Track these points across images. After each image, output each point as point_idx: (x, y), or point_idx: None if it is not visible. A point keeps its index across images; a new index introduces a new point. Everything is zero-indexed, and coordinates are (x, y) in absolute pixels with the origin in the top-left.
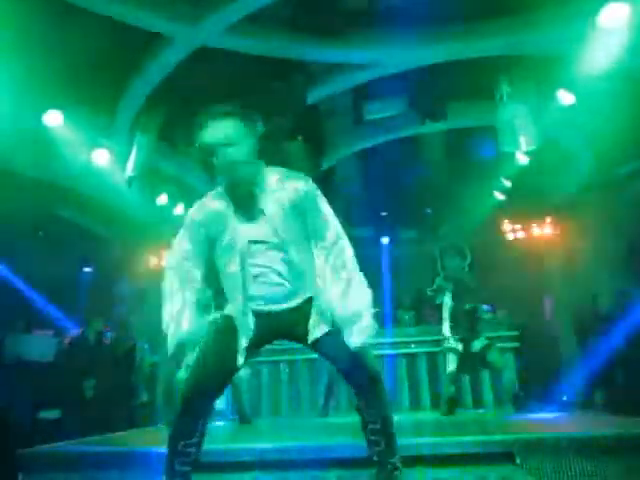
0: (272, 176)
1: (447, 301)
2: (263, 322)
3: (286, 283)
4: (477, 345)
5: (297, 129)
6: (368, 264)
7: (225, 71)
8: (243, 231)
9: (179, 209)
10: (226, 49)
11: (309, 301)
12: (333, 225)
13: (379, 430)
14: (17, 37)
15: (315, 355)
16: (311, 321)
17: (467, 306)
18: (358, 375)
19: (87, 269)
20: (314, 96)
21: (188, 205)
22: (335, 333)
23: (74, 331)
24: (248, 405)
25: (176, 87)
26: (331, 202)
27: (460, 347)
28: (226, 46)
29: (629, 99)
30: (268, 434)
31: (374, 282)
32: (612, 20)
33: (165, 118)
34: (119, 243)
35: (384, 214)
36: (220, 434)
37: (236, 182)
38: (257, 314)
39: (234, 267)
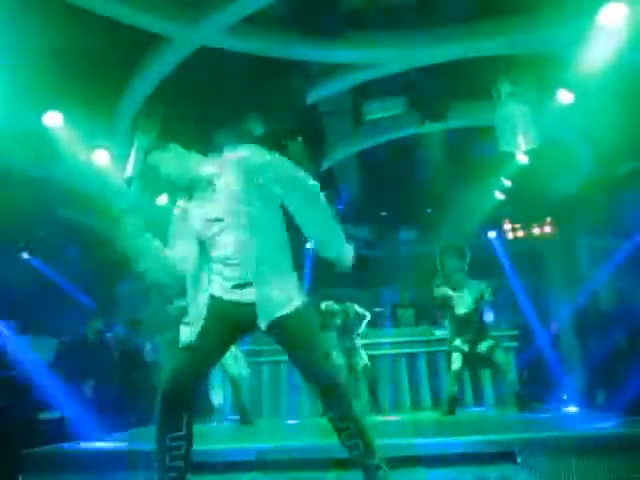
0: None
1: (451, 306)
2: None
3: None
4: (484, 346)
5: (297, 129)
6: (368, 264)
7: (225, 71)
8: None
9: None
10: (226, 49)
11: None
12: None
13: (353, 433)
14: (16, 38)
15: None
16: (267, 303)
17: (471, 310)
18: (314, 378)
19: (87, 269)
20: (314, 96)
21: None
22: (292, 326)
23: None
24: (249, 405)
25: (176, 87)
26: (331, 202)
27: (466, 348)
28: (226, 46)
29: (628, 98)
30: (268, 434)
31: (374, 282)
32: (611, 20)
33: (165, 118)
34: (120, 243)
35: (384, 214)
36: (220, 434)
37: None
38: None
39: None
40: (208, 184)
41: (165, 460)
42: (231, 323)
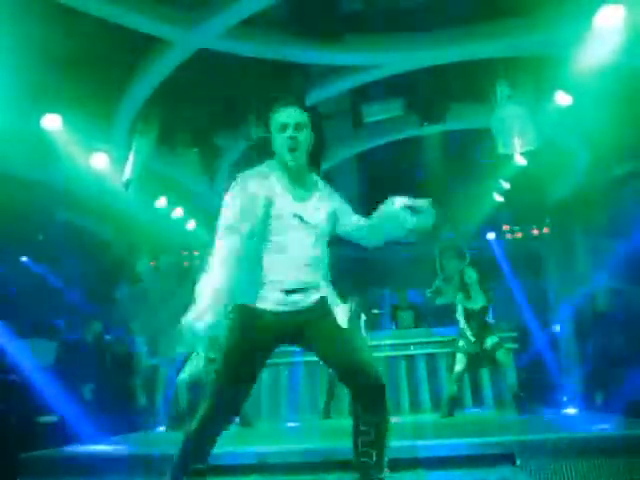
0: (320, 180)
1: (459, 301)
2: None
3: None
4: (489, 342)
5: None
6: (368, 266)
7: (224, 74)
8: (292, 204)
9: (178, 211)
10: (224, 52)
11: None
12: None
13: (371, 442)
14: (15, 41)
15: (315, 357)
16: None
17: (478, 305)
18: (358, 376)
19: (86, 272)
20: (313, 98)
21: (187, 208)
22: (336, 329)
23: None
24: (249, 408)
25: (174, 90)
26: None
27: (472, 349)
28: (224, 49)
29: (626, 100)
30: (268, 437)
31: (373, 283)
32: (608, 21)
33: (163, 121)
34: (118, 246)
35: None
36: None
37: (295, 162)
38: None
39: (279, 237)
40: (305, 183)
41: (189, 465)
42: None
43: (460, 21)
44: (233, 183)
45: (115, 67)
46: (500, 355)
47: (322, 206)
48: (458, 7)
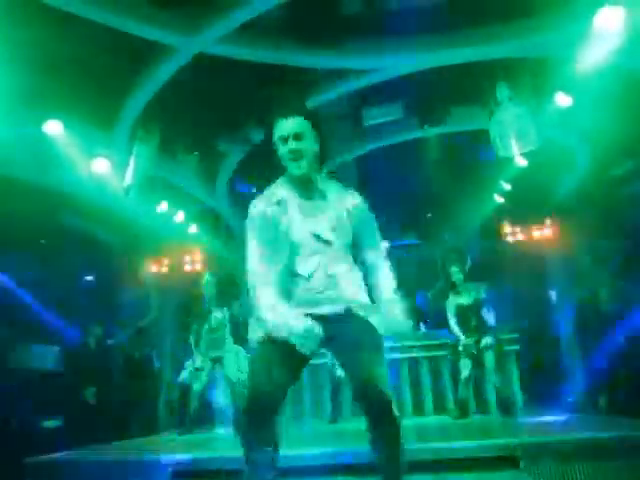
0: (332, 182)
1: (451, 300)
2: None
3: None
4: (483, 342)
5: None
6: None
7: (224, 79)
8: (302, 222)
9: (179, 216)
10: (224, 57)
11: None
12: (380, 238)
13: (386, 458)
14: (18, 48)
15: (318, 361)
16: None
17: (468, 301)
18: (372, 406)
19: (89, 277)
20: (313, 102)
21: (188, 212)
22: (357, 343)
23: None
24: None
25: (175, 95)
26: None
27: (473, 349)
28: (224, 54)
29: (625, 101)
30: None
31: None
32: (607, 23)
33: (164, 127)
34: (121, 251)
35: (383, 218)
36: (226, 441)
37: (300, 171)
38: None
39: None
40: (316, 197)
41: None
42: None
43: (460, 24)
44: (250, 212)
45: (116, 72)
46: (486, 357)
47: (337, 220)
48: (458, 10)
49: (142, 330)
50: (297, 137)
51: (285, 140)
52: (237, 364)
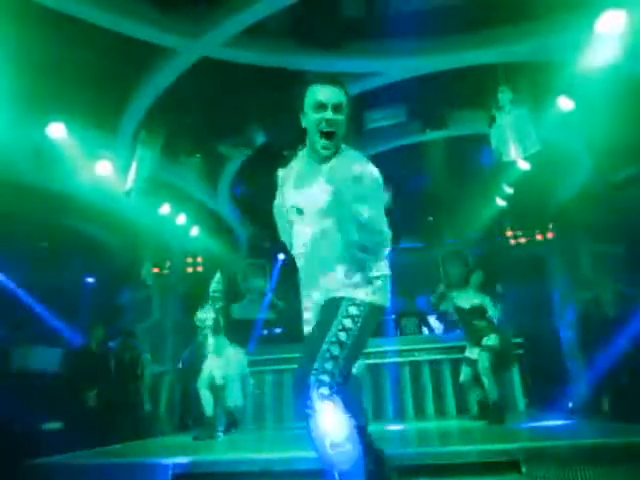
0: (348, 155)
1: (456, 303)
2: None
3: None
4: (486, 341)
5: (298, 139)
6: None
7: (226, 83)
8: (291, 196)
9: (181, 219)
10: (227, 60)
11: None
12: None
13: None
14: (21, 50)
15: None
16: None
17: (467, 306)
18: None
19: (90, 279)
20: None
21: (190, 215)
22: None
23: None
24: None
25: (177, 98)
26: None
27: (475, 354)
28: (227, 57)
29: (627, 104)
30: (273, 444)
31: None
32: (610, 27)
33: (167, 130)
34: (122, 253)
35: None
36: (224, 444)
37: (328, 148)
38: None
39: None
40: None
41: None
42: None
43: (461, 27)
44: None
45: (119, 75)
46: (480, 357)
47: (326, 189)
48: (459, 14)
49: (132, 333)
50: (337, 108)
51: (323, 107)
52: (239, 365)
